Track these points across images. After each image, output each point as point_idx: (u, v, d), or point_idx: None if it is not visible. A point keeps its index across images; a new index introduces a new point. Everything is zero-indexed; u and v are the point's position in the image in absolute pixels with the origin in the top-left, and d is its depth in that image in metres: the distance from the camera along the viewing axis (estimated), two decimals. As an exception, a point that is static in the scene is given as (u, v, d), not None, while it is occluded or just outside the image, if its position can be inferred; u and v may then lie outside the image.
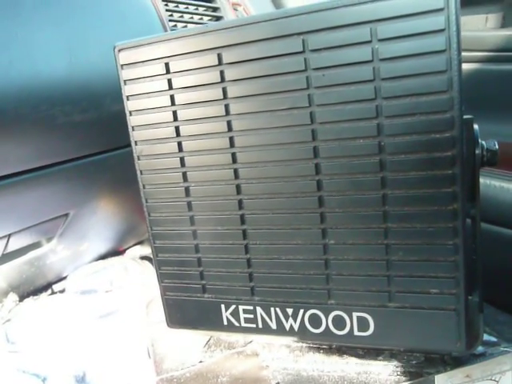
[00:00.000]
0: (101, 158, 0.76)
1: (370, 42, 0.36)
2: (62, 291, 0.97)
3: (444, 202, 0.37)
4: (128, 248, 1.15)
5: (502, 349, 0.47)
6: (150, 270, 0.89)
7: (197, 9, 0.86)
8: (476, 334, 0.43)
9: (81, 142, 0.70)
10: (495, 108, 0.81)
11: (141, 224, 1.07)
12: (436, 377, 0.45)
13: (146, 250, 1.10)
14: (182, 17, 0.83)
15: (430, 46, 0.35)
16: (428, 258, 0.38)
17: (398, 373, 0.45)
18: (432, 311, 0.40)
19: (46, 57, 0.62)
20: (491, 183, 0.66)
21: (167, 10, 0.80)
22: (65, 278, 0.99)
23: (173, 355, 0.52)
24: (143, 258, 1.06)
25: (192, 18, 0.84)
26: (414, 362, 0.46)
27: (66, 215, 0.81)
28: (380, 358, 0.47)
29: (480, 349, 0.46)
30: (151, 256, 0.89)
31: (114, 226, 1.00)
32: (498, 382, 0.47)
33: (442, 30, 0.34)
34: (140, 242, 1.16)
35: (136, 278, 0.95)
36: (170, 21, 0.80)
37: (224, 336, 0.53)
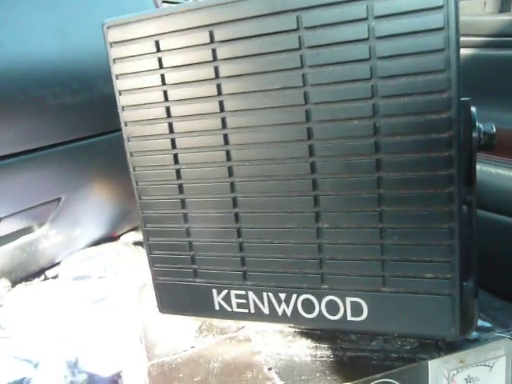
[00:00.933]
0: (93, 142, 0.75)
1: (366, 19, 0.35)
2: (55, 277, 0.96)
3: (440, 185, 0.36)
4: (122, 234, 1.14)
5: (496, 334, 0.46)
6: (143, 256, 0.88)
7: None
8: (470, 319, 0.42)
9: (72, 124, 0.69)
10: (493, 94, 0.80)
11: (135, 209, 1.05)
12: (430, 362, 0.44)
13: (141, 236, 1.09)
14: (175, -3, 0.81)
15: (428, 24, 0.33)
16: (423, 242, 0.38)
17: (392, 358, 0.44)
18: (426, 296, 0.39)
19: (35, 37, 0.60)
20: (487, 170, 0.65)
21: (162, -6, 0.78)
22: (58, 263, 0.98)
23: (164, 340, 0.52)
24: (137, 243, 1.05)
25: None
26: (407, 347, 0.45)
27: (58, 200, 0.80)
28: (373, 343, 0.46)
29: (474, 334, 0.46)
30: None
31: (107, 211, 0.99)
32: (491, 367, 0.47)
33: (440, 7, 0.33)
34: (134, 228, 1.16)
35: (129, 264, 0.95)
36: (164, 2, 0.79)
37: (216, 321, 0.52)
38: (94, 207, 0.92)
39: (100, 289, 0.86)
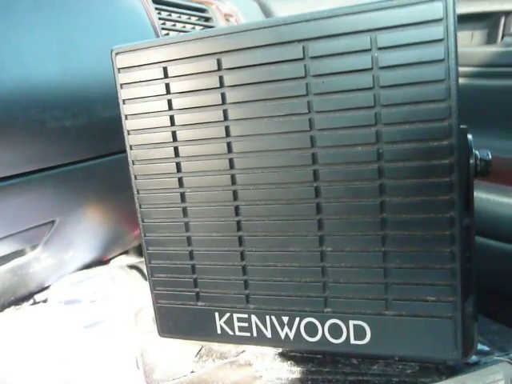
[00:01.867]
0: (89, 165, 0.75)
1: (369, 50, 0.36)
2: (45, 301, 0.95)
3: (441, 210, 0.37)
4: (113, 258, 1.13)
5: (495, 358, 0.47)
6: (136, 280, 0.87)
7: (189, 18, 0.87)
8: (471, 342, 0.43)
9: (70, 147, 0.69)
10: (481, 122, 0.82)
11: (127, 233, 1.05)
12: (430, 387, 0.44)
13: (132, 260, 1.08)
14: (174, 25, 0.83)
15: (430, 56, 0.35)
16: (425, 266, 0.39)
17: (393, 382, 0.45)
18: (429, 319, 0.40)
19: (38, 60, 0.61)
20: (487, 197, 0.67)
21: (160, 19, 0.80)
22: (47, 287, 0.97)
23: (163, 365, 0.51)
24: (130, 267, 1.04)
25: (184, 27, 0.84)
26: (408, 371, 0.46)
27: (52, 222, 0.80)
28: (375, 367, 0.47)
29: (474, 358, 0.46)
30: (138, 265, 0.88)
31: (100, 234, 0.98)
32: (490, 391, 0.47)
33: (441, 40, 0.35)
34: (126, 252, 1.15)
35: (122, 288, 0.94)
36: (163, 29, 0.80)
37: (216, 346, 0.52)
38: (86, 230, 0.92)
39: (92, 313, 0.84)
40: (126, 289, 0.87)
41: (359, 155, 0.38)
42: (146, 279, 0.78)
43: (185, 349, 0.53)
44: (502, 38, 0.82)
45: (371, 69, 0.37)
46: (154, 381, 0.48)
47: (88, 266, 1.07)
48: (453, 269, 0.38)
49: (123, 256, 1.14)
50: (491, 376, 0.46)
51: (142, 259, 0.93)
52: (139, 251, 1.14)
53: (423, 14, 0.34)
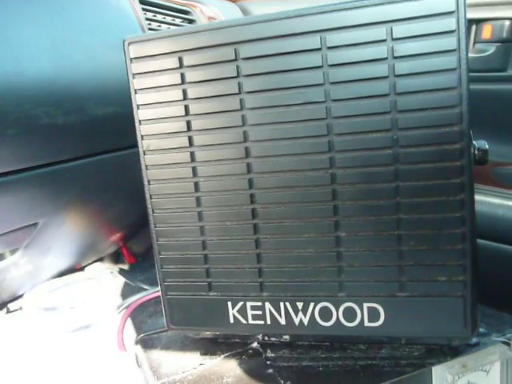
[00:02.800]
0: (77, 164, 0.74)
1: (385, 40, 0.38)
2: (20, 310, 0.91)
3: (453, 192, 0.39)
4: (87, 265, 1.10)
5: (493, 339, 0.49)
6: (117, 284, 0.85)
7: (174, 20, 0.87)
8: (474, 323, 0.45)
9: (61, 145, 0.68)
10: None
11: (105, 238, 1.03)
12: (433, 368, 0.46)
13: (108, 267, 1.06)
14: (159, 26, 0.83)
15: (442, 46, 0.37)
16: (437, 247, 0.40)
17: (402, 365, 0.46)
18: (440, 298, 0.41)
19: (30, 55, 0.60)
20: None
21: (146, 19, 0.80)
22: (20, 296, 0.94)
23: (170, 360, 0.51)
24: (107, 273, 1.02)
25: (169, 28, 0.84)
26: (415, 353, 0.47)
27: (35, 224, 0.78)
28: (383, 351, 0.48)
29: (474, 339, 0.48)
30: (115, 271, 0.86)
31: (79, 238, 0.96)
32: (487, 372, 0.49)
33: (453, 31, 0.37)
34: (100, 259, 1.12)
35: (103, 293, 0.92)
36: (149, 29, 0.81)
37: (222, 340, 0.52)
38: (67, 234, 0.90)
39: (78, 318, 0.82)
40: (107, 294, 0.85)
41: (374, 142, 0.40)
42: (126, 283, 0.77)
43: (191, 343, 0.53)
44: (474, 44, 0.86)
45: (386, 58, 0.38)
46: (163, 374, 0.48)
47: (62, 274, 1.04)
48: (463, 249, 0.40)
49: (98, 263, 1.12)
50: (488, 357, 0.49)
51: (118, 266, 0.91)
52: (114, 258, 1.12)
53: (436, 6, 0.37)
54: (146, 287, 0.68)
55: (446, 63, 0.37)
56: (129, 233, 1.06)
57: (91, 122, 0.68)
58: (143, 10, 0.81)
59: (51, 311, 0.90)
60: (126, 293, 0.70)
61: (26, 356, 0.69)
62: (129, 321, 0.62)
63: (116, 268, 0.85)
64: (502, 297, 0.58)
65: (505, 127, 0.84)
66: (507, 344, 0.49)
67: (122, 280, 0.77)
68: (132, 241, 1.09)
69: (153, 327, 0.58)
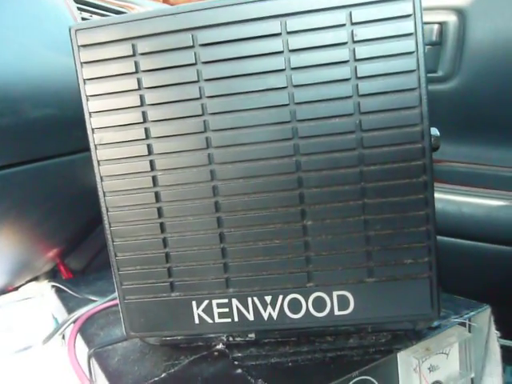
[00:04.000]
0: (12, 172, 0.68)
1: (344, 25, 0.38)
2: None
3: (415, 174, 0.40)
4: (21, 286, 1.03)
5: (452, 320, 0.50)
6: (54, 303, 0.79)
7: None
8: (439, 303, 0.46)
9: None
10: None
11: (40, 255, 0.97)
12: (398, 354, 0.47)
13: (44, 286, 0.99)
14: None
15: (401, 30, 0.38)
16: (403, 230, 0.41)
17: (371, 352, 0.46)
18: (407, 281, 0.42)
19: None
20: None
21: (82, 19, 0.77)
22: None
23: (130, 371, 0.47)
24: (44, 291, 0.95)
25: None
26: (382, 340, 0.47)
27: (-37, 241, 0.71)
28: (350, 341, 0.48)
29: (435, 322, 0.49)
30: (52, 289, 0.80)
31: (14, 255, 0.89)
32: (447, 354, 0.50)
33: (409, 15, 0.38)
34: (35, 278, 1.05)
35: (40, 313, 0.86)
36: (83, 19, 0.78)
37: (184, 345, 0.50)
38: (2, 249, 0.83)
39: (16, 339, 0.76)
40: (51, 310, 0.80)
41: (337, 127, 0.40)
42: (72, 296, 0.72)
43: (151, 351, 0.50)
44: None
45: (346, 43, 0.39)
46: (125, 386, 0.44)
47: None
48: (427, 230, 0.41)
49: (33, 283, 1.04)
50: (448, 339, 0.50)
51: (52, 284, 0.85)
52: (50, 277, 1.05)
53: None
54: (94, 298, 0.64)
55: (405, 46, 0.38)
56: (66, 248, 1.00)
57: (27, 125, 0.64)
58: (78, 9, 0.78)
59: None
60: (73, 306, 0.66)
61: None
62: (78, 335, 0.57)
63: (57, 284, 0.79)
64: (456, 284, 0.60)
65: (437, 126, 0.88)
66: (464, 325, 0.51)
67: (66, 294, 0.71)
68: (69, 257, 1.03)
69: (106, 339, 0.54)
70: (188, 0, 0.96)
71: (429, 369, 0.49)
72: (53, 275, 1.05)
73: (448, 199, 0.82)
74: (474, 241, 0.79)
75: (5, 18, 0.63)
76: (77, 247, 1.00)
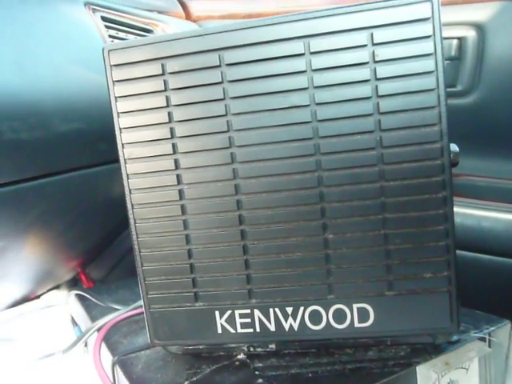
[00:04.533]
0: (41, 183, 0.71)
1: (366, 45, 0.40)
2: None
3: (435, 190, 0.41)
4: (42, 294, 1.05)
5: (472, 335, 0.50)
6: (76, 311, 0.81)
7: (136, 38, 0.87)
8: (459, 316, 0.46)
9: (24, 162, 0.65)
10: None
11: (63, 264, 0.99)
12: (418, 367, 0.47)
13: (65, 294, 1.01)
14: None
15: (420, 50, 0.39)
16: (422, 244, 0.42)
17: (390, 365, 0.46)
18: (427, 295, 0.43)
19: (-6, 68, 0.58)
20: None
21: (109, 36, 0.79)
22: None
23: (153, 379, 0.49)
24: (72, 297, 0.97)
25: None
26: (402, 353, 0.48)
27: (-6, 248, 0.73)
28: (370, 353, 0.48)
29: (455, 337, 0.49)
30: (80, 295, 0.82)
31: (38, 264, 0.91)
32: (467, 369, 0.51)
33: (429, 36, 0.39)
34: (57, 287, 1.08)
35: (61, 321, 0.88)
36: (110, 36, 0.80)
37: (206, 354, 0.51)
38: (26, 259, 0.85)
39: (38, 347, 0.78)
40: (66, 321, 0.81)
41: (359, 143, 0.41)
42: (95, 305, 0.73)
43: (173, 360, 0.51)
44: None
45: (368, 63, 0.40)
46: (148, 393, 0.46)
47: (15, 305, 0.99)
48: (447, 244, 0.41)
49: (54, 291, 1.07)
50: (467, 354, 0.50)
51: (75, 292, 0.87)
52: (71, 286, 1.08)
53: (413, 13, 0.39)
54: (117, 307, 0.66)
55: (424, 66, 0.39)
56: (88, 257, 1.02)
57: (55, 139, 0.66)
58: (106, 27, 0.80)
59: (9, 342, 0.85)
60: (96, 314, 0.67)
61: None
62: (102, 343, 0.59)
63: (80, 292, 0.81)
64: (476, 298, 0.60)
65: (456, 140, 0.89)
66: (484, 340, 0.51)
67: (89, 302, 0.73)
68: (90, 266, 1.05)
69: (129, 347, 0.56)
70: (211, 17, 0.99)
71: (448, 383, 0.49)
72: (74, 284, 1.07)
73: (467, 213, 0.82)
74: (493, 255, 0.79)
75: (37, 36, 0.66)
76: (97, 257, 1.03)
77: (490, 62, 0.83)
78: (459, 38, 0.87)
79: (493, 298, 0.78)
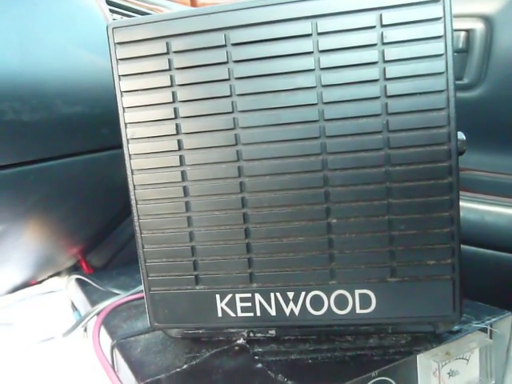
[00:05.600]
0: (43, 167, 0.70)
1: (374, 27, 0.39)
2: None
3: (441, 176, 0.40)
4: (43, 280, 1.05)
5: (474, 325, 0.50)
6: (77, 296, 0.81)
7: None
8: (461, 305, 0.46)
9: (26, 145, 0.65)
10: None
11: (64, 250, 0.99)
12: (418, 356, 0.47)
13: (65, 281, 1.01)
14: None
15: (430, 33, 0.38)
16: (427, 230, 0.41)
17: (391, 353, 0.46)
18: (430, 282, 0.42)
19: (-2, 48, 0.57)
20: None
21: (113, 20, 0.79)
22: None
23: (152, 361, 0.48)
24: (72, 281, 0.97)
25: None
26: (402, 341, 0.48)
27: (-6, 231, 0.73)
28: (370, 341, 0.48)
29: (456, 327, 0.49)
30: (80, 279, 0.82)
31: (39, 249, 0.91)
32: (468, 360, 0.50)
33: (439, 18, 0.38)
34: (57, 273, 1.08)
35: (61, 307, 0.88)
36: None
37: (205, 339, 0.51)
38: (27, 244, 0.85)
39: (38, 331, 0.78)
40: (66, 306, 0.81)
41: (365, 127, 0.41)
42: (95, 289, 0.73)
43: (172, 344, 0.51)
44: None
45: (376, 44, 0.39)
46: (148, 375, 0.45)
47: (15, 290, 0.99)
48: (452, 232, 0.41)
49: (55, 278, 1.07)
50: (468, 344, 0.50)
51: (75, 276, 0.87)
52: (70, 273, 1.07)
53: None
54: (117, 292, 0.65)
55: (434, 49, 0.39)
56: (88, 244, 1.02)
57: (58, 121, 0.66)
58: (110, 11, 0.80)
59: (8, 326, 0.85)
60: (96, 299, 0.67)
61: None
62: (102, 327, 0.58)
63: (81, 276, 0.81)
64: (478, 293, 0.60)
65: (464, 133, 0.88)
66: (485, 331, 0.51)
67: (89, 287, 0.73)
68: (91, 253, 1.05)
69: (129, 331, 0.56)
70: (215, 2, 0.98)
71: (448, 373, 0.49)
72: (74, 271, 1.07)
73: (470, 207, 0.81)
74: (496, 250, 0.78)
75: (40, 18, 0.66)
76: (98, 244, 1.02)
77: (497, 55, 0.82)
78: (467, 31, 0.86)
79: (495, 293, 0.78)
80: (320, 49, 0.40)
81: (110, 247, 1.04)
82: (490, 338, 0.50)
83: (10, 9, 0.61)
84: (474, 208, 0.81)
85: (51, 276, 1.07)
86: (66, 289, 0.80)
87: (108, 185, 0.85)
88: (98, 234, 0.99)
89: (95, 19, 0.74)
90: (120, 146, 0.45)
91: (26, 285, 1.01)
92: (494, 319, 0.50)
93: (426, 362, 0.47)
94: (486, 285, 0.79)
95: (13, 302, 0.95)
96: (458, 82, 0.85)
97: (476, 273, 0.78)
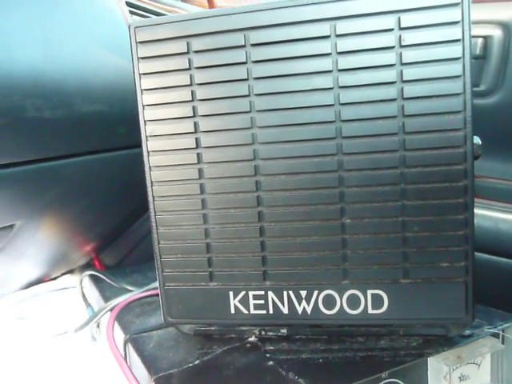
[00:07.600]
0: (61, 164, 0.71)
1: (392, 29, 0.40)
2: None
3: (456, 178, 0.40)
4: (56, 278, 1.07)
5: (486, 330, 0.50)
6: (91, 292, 0.82)
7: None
8: (474, 308, 0.46)
9: (46, 142, 0.66)
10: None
11: (78, 247, 1.00)
12: (429, 359, 0.47)
13: (78, 278, 1.02)
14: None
15: (448, 36, 0.39)
16: (441, 232, 0.41)
17: (401, 355, 0.46)
18: (442, 284, 0.42)
19: (21, 44, 0.59)
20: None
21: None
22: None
23: (165, 357, 0.49)
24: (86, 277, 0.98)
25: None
26: (413, 344, 0.48)
27: (11, 227, 0.74)
28: (382, 342, 0.48)
29: (467, 331, 0.49)
30: (95, 276, 0.83)
31: (54, 246, 0.92)
32: (479, 365, 0.50)
33: (458, 22, 0.39)
34: (70, 271, 1.09)
35: (74, 303, 0.89)
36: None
37: (217, 336, 0.51)
38: (42, 240, 0.86)
39: (53, 325, 0.79)
40: (80, 302, 0.82)
41: (381, 128, 0.41)
42: (109, 286, 0.74)
43: (185, 340, 0.52)
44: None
45: (394, 47, 0.40)
46: (160, 370, 0.46)
47: (29, 286, 1.00)
48: (466, 234, 0.41)
49: (68, 275, 1.08)
50: (480, 349, 0.49)
51: (89, 273, 0.88)
52: (85, 269, 1.09)
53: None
54: (131, 288, 0.66)
55: (451, 52, 0.39)
56: (102, 243, 1.03)
57: (78, 119, 0.67)
58: (130, 12, 0.81)
59: (24, 320, 0.86)
60: (109, 295, 0.68)
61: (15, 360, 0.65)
62: (115, 322, 0.59)
63: (95, 272, 0.82)
64: (492, 300, 0.59)
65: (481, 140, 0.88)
66: (497, 336, 0.50)
67: (102, 284, 0.74)
68: (104, 252, 1.06)
69: (142, 327, 0.56)
70: (233, 5, 0.99)
71: (459, 378, 0.49)
72: (85, 269, 1.07)
73: (485, 215, 0.81)
74: (510, 258, 0.78)
75: (63, 18, 0.67)
76: (112, 243, 1.03)
77: (515, 63, 0.82)
78: (484, 37, 0.86)
79: (508, 301, 0.77)
80: (338, 50, 0.40)
81: (123, 246, 1.05)
82: (502, 343, 0.50)
83: (34, 8, 0.62)
84: (488, 215, 0.80)
85: (64, 273, 1.09)
86: (80, 285, 0.81)
87: (123, 184, 0.86)
88: (112, 232, 1.00)
89: (116, 20, 0.76)
90: (136, 146, 0.46)
91: (39, 281, 1.02)
92: (506, 325, 0.50)
93: (436, 366, 0.47)
94: (499, 292, 0.78)
95: (27, 297, 0.97)
96: (474, 89, 0.85)
97: (489, 280, 0.78)
